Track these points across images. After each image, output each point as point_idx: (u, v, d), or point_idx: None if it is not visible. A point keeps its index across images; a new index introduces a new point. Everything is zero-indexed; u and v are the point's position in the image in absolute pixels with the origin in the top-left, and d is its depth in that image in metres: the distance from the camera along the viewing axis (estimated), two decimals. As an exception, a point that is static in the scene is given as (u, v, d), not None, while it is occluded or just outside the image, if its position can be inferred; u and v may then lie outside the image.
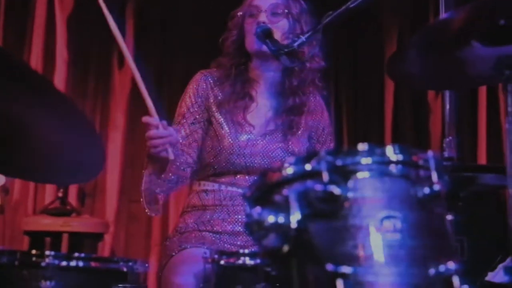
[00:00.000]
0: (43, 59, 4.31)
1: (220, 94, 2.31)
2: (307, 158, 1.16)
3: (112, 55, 4.47)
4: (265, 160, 2.25)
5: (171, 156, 2.02)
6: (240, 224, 2.22)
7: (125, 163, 4.38)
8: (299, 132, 2.32)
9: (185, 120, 2.29)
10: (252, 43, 2.25)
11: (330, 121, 2.45)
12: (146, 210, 2.19)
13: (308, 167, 1.15)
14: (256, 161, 2.25)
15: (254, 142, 2.27)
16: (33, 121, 1.52)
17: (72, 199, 4.14)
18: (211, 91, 2.32)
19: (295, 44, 2.04)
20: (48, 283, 1.38)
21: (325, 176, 1.12)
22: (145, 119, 2.01)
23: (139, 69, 1.96)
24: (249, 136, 2.27)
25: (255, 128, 2.30)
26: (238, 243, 2.20)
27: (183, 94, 2.35)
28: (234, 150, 2.25)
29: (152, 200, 2.18)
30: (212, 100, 2.31)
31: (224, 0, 2.47)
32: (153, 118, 2.00)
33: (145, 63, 4.37)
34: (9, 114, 1.49)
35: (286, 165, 1.18)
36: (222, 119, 2.28)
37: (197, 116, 2.29)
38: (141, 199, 2.18)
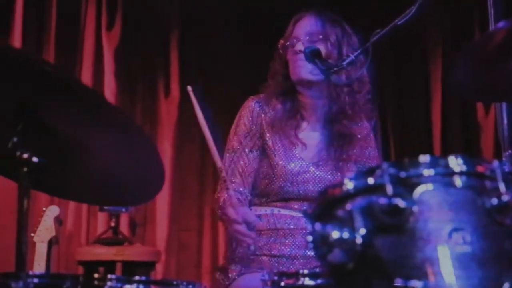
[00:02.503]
0: (92, 91, 4.39)
1: (271, 115, 2.32)
2: (369, 172, 1.14)
3: (158, 84, 4.52)
4: (317, 187, 2.22)
5: (251, 249, 2.08)
6: (297, 247, 2.19)
7: (174, 191, 4.39)
8: (350, 162, 2.29)
9: (242, 148, 2.29)
10: (294, 72, 2.26)
11: (376, 144, 2.42)
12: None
13: (370, 180, 1.13)
14: (309, 188, 2.23)
15: (306, 169, 2.26)
16: (89, 140, 1.51)
17: (124, 228, 4.17)
18: (263, 117, 2.32)
19: (345, 63, 2.02)
20: (110, 307, 1.38)
21: (389, 189, 1.10)
22: (232, 215, 2.04)
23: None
24: (301, 163, 2.26)
25: (307, 147, 2.29)
26: (297, 266, 2.17)
27: (237, 120, 2.35)
28: (287, 177, 2.24)
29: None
30: (265, 127, 2.31)
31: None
32: (238, 215, 2.02)
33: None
34: (66, 135, 1.50)
35: (346, 180, 1.16)
36: (274, 146, 2.28)
37: (254, 144, 2.30)
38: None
